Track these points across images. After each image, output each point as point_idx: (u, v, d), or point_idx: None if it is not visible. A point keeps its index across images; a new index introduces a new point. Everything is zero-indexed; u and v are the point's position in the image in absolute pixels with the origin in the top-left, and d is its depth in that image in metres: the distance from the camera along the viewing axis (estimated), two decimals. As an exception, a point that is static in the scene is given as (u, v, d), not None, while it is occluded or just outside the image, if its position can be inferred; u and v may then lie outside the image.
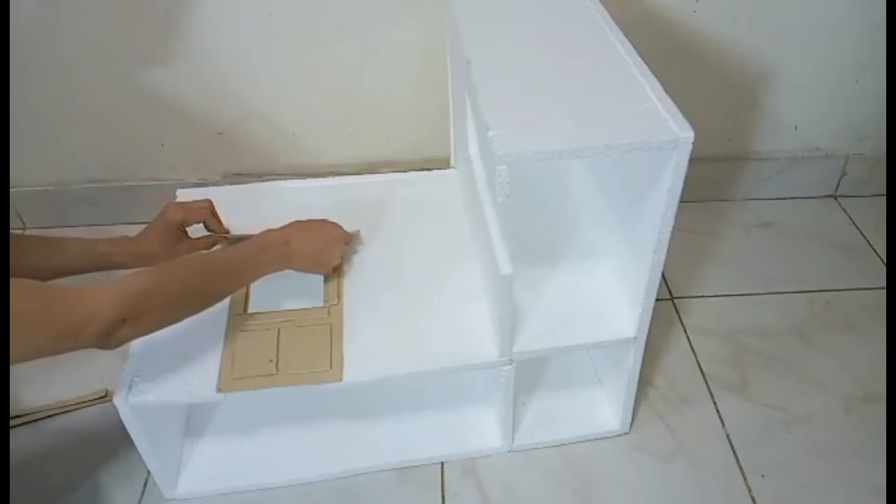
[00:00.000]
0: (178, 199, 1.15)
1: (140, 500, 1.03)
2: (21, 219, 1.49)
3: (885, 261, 1.40)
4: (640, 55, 0.87)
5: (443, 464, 1.06)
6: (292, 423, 1.10)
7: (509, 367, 0.95)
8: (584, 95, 0.82)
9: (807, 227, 1.50)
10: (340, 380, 0.91)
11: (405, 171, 1.27)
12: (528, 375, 1.14)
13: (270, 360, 0.92)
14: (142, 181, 1.45)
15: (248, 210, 1.12)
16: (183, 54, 1.27)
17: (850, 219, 1.52)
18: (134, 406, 0.89)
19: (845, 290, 1.35)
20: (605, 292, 1.01)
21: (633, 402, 1.05)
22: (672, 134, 0.74)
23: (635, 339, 0.95)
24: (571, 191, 1.18)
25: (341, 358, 0.93)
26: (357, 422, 1.10)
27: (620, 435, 1.09)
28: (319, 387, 0.91)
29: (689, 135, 0.74)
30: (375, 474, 1.05)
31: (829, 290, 1.35)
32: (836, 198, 1.57)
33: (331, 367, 0.92)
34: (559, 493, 1.03)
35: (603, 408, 1.12)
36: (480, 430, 1.08)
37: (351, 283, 1.04)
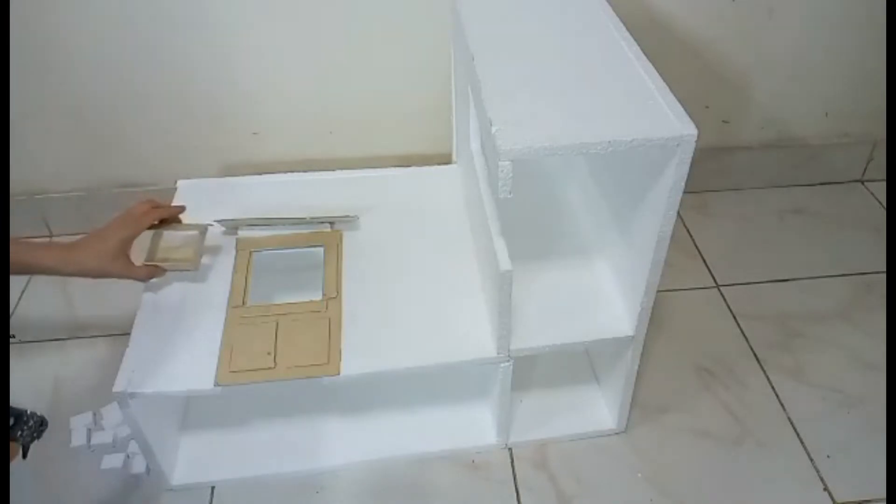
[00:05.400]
0: (179, 189, 1.16)
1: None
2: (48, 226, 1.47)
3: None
4: (647, 53, 0.87)
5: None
6: (287, 415, 1.10)
7: (507, 363, 0.95)
8: (588, 92, 0.81)
9: (839, 211, 1.53)
10: (338, 374, 0.91)
11: (406, 167, 1.26)
12: (525, 373, 1.14)
13: (268, 354, 0.92)
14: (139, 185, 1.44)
15: (248, 206, 1.12)
16: (183, 54, 1.26)
17: (879, 202, 1.55)
18: (132, 397, 0.89)
19: (883, 272, 1.37)
20: (605, 291, 1.01)
21: (630, 400, 1.05)
22: (675, 131, 0.74)
23: (633, 338, 0.95)
24: (572, 188, 1.18)
25: (339, 352, 0.93)
26: (351, 416, 1.10)
27: (618, 433, 1.10)
28: (316, 380, 0.91)
29: (693, 132, 0.74)
30: (374, 471, 1.05)
31: (868, 272, 1.38)
32: (863, 182, 1.61)
33: (328, 360, 0.92)
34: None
35: (600, 406, 1.12)
36: (476, 428, 1.08)
37: (350, 278, 1.03)
